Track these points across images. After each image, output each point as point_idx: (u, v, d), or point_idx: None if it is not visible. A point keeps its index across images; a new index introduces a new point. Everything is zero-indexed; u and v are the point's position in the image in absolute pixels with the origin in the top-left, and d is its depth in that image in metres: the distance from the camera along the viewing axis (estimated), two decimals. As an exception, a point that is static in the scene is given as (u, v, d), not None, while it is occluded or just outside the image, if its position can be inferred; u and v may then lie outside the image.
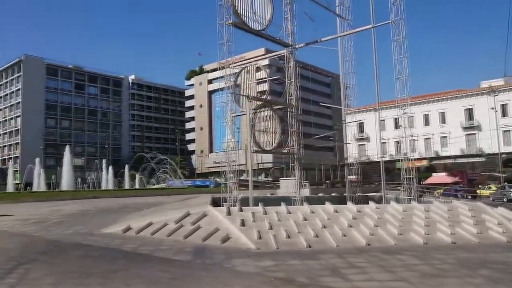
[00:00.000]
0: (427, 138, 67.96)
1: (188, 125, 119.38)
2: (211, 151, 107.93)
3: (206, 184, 76.16)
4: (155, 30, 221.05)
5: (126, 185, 70.34)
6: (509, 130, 60.96)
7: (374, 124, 69.73)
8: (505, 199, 35.70)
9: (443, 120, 67.20)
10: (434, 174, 60.98)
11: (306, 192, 23.14)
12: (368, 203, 16.96)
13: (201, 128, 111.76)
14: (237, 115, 22.49)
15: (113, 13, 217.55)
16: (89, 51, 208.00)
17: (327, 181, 38.11)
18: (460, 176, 61.63)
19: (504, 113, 61.75)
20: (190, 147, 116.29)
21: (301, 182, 21.67)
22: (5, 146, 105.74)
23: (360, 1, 25.88)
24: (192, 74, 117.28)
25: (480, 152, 62.70)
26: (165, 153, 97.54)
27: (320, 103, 73.06)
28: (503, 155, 58.86)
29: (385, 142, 64.62)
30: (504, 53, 64.60)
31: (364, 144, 72.65)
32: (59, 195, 44.05)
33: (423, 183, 49.82)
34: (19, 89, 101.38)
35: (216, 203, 18.73)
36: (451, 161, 65.83)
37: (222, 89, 20.89)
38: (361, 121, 70.87)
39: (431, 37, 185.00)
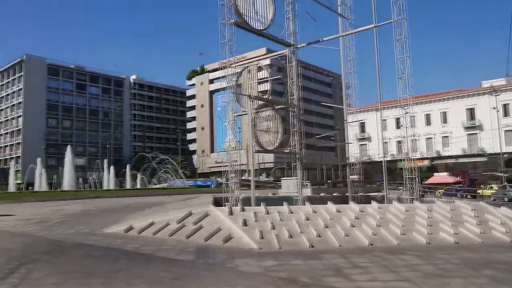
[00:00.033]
0: (428, 138, 67.85)
1: (189, 125, 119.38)
2: (212, 151, 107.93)
3: (208, 184, 76.14)
4: (156, 30, 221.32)
5: (128, 185, 70.35)
6: (511, 130, 60.82)
7: (375, 124, 69.70)
8: (506, 199, 35.79)
9: (444, 120, 67.07)
10: (435, 174, 60.89)
11: (307, 192, 23.08)
12: (370, 203, 16.94)
13: (202, 128, 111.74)
14: (238, 115, 22.45)
15: (114, 13, 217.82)
16: (90, 51, 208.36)
17: (328, 181, 37.92)
18: (461, 176, 61.54)
19: (506, 113, 61.60)
20: (192, 147, 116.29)
21: (302, 182, 21.62)
22: (6, 146, 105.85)
23: (362, 1, 25.86)
24: (193, 74, 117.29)
25: (482, 152, 62.55)
26: (166, 153, 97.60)
27: (322, 103, 72.92)
28: (505, 155, 58.72)
29: (386, 142, 64.51)
30: (505, 53, 64.37)
31: (366, 144, 72.55)
32: (60, 195, 44.06)
33: (425, 183, 49.73)
34: (20, 89, 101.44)
35: (218, 203, 18.69)
36: (453, 161, 65.69)
37: (223, 88, 20.89)
38: (363, 121, 70.81)
39: (432, 37, 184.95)
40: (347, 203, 18.76)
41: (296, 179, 21.50)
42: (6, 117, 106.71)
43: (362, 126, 72.96)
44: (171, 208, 22.73)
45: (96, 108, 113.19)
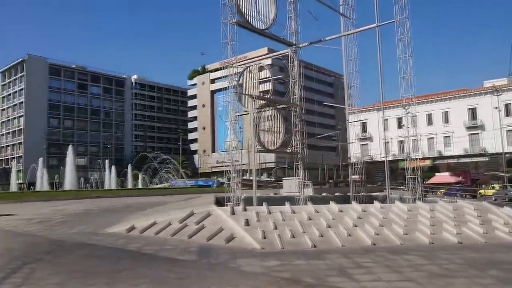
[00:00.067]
0: (430, 138, 67.76)
1: (190, 125, 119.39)
2: (213, 150, 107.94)
3: (209, 184, 76.13)
4: (158, 30, 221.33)
5: (129, 185, 70.37)
6: (513, 130, 60.75)
7: (377, 124, 69.66)
8: (507, 199, 35.87)
9: (446, 119, 66.99)
10: (437, 174, 60.78)
11: (309, 191, 23.03)
12: (371, 203, 16.91)
13: (204, 128, 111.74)
14: (240, 115, 22.42)
15: (115, 13, 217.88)
16: (92, 51, 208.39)
17: (330, 181, 37.96)
18: (463, 176, 61.42)
19: (508, 113, 61.50)
20: (193, 146, 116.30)
21: (304, 182, 21.57)
22: (8, 145, 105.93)
23: (364, 0, 25.81)
24: (195, 73, 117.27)
25: (484, 152, 62.45)
26: (167, 153, 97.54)
27: (324, 103, 72.89)
28: (507, 155, 58.56)
29: (388, 142, 64.45)
30: (504, 53, 64.53)
31: (367, 144, 72.48)
32: (62, 195, 44.12)
33: (426, 183, 49.64)
34: (22, 89, 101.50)
35: (219, 202, 18.66)
36: (455, 160, 65.59)
37: (225, 88, 20.81)
38: (364, 121, 70.75)
39: (430, 37, 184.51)
40: (349, 203, 18.74)
41: (298, 179, 21.46)
42: (8, 117, 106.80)
43: (364, 126, 72.88)
44: (172, 208, 22.71)
45: (97, 108, 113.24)
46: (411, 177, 18.69)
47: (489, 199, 33.40)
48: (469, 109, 64.98)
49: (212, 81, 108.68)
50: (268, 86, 24.13)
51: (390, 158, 49.47)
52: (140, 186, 69.69)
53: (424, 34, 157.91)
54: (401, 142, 64.14)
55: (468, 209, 15.58)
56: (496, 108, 60.11)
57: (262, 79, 23.35)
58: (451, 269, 9.11)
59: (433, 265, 9.42)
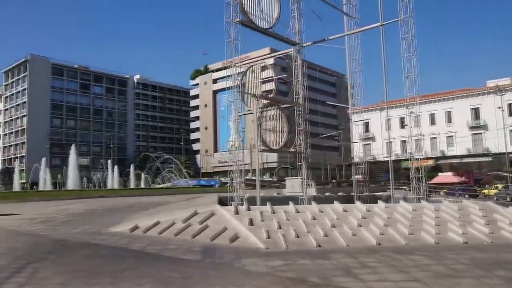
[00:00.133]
0: (433, 138, 67.56)
1: (193, 125, 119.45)
2: (215, 150, 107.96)
3: (211, 183, 76.10)
4: (160, 30, 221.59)
5: (132, 185, 70.38)
6: (516, 130, 60.51)
7: (379, 124, 69.49)
8: (508, 198, 35.82)
9: (449, 119, 66.80)
10: (440, 173, 60.60)
11: (312, 191, 22.99)
12: (375, 203, 16.83)
13: (206, 128, 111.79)
14: (243, 114, 22.37)
15: (117, 13, 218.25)
16: (93, 51, 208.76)
17: (333, 181, 37.87)
18: (466, 175, 61.24)
19: (511, 113, 61.26)
20: (195, 146, 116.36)
21: (307, 182, 21.51)
22: (11, 145, 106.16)
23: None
24: (197, 73, 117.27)
25: (487, 152, 62.24)
26: (170, 153, 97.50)
27: (327, 102, 72.79)
28: (510, 155, 58.34)
29: (390, 142, 64.30)
30: (506, 52, 64.24)
31: (370, 143, 72.36)
32: (65, 195, 44.13)
33: (429, 183, 49.49)
34: (25, 89, 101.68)
35: (222, 202, 18.64)
36: (457, 160, 65.41)
37: (228, 88, 20.75)
38: (367, 120, 70.61)
39: (434, 36, 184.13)
40: (352, 202, 18.66)
41: (301, 178, 21.40)
42: (11, 117, 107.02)
43: (366, 126, 72.73)
44: (175, 207, 22.66)
45: (100, 107, 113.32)
46: (415, 177, 18.60)
47: (491, 199, 33.30)
48: (472, 109, 64.76)
49: (215, 81, 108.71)
50: (270, 86, 24.10)
51: (393, 158, 49.40)
52: (142, 186, 69.71)
53: (426, 33, 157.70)
54: (403, 142, 63.97)
55: (473, 209, 15.48)
56: (500, 108, 59.90)
57: (265, 78, 23.31)
58: (457, 269, 9.03)
59: (439, 265, 9.34)
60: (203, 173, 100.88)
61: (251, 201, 17.18)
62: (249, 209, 15.11)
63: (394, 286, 7.63)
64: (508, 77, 66.76)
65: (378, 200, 16.89)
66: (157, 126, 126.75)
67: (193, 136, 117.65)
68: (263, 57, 30.10)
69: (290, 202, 16.19)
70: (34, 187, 67.02)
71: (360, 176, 24.54)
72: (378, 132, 71.12)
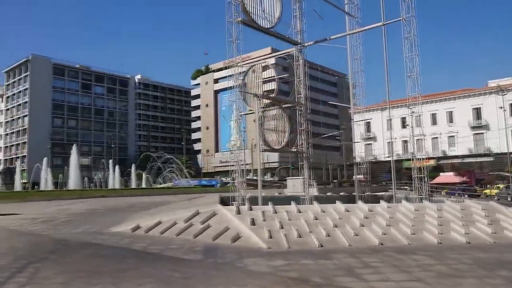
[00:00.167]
0: (434, 138, 67.44)
1: (194, 125, 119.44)
2: (217, 150, 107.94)
3: (212, 183, 76.10)
4: (160, 30, 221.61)
5: (133, 185, 70.44)
6: (517, 130, 60.32)
7: (380, 124, 69.38)
8: (509, 198, 35.77)
9: (450, 119, 66.64)
10: (441, 173, 60.48)
11: (313, 191, 22.92)
12: (377, 203, 16.78)
13: (207, 128, 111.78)
14: (245, 114, 22.32)
15: (117, 13, 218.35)
16: (94, 50, 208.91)
17: (334, 181, 37.75)
18: (468, 175, 61.10)
19: (513, 112, 61.11)
20: (196, 146, 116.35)
21: (309, 181, 21.45)
22: (12, 145, 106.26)
23: (369, -1, 25.66)
24: (198, 73, 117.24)
25: (488, 152, 62.09)
26: (171, 153, 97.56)
27: (329, 102, 72.72)
28: (512, 155, 58.22)
29: (392, 142, 64.13)
30: (506, 52, 64.12)
31: (371, 143, 72.28)
32: (66, 194, 44.15)
33: (431, 183, 49.38)
34: (26, 89, 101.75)
35: (224, 202, 18.58)
36: (459, 160, 65.25)
37: (230, 87, 20.72)
38: (368, 120, 70.52)
39: (434, 36, 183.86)
40: (354, 202, 18.61)
41: (303, 178, 21.34)
42: (12, 117, 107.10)
43: (367, 126, 72.64)
44: (176, 207, 22.65)
45: (101, 107, 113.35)
46: (417, 177, 18.54)
47: (493, 199, 33.24)
48: (474, 108, 64.60)
49: (216, 80, 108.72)
50: (271, 86, 24.04)
51: (394, 158, 49.31)
52: (143, 185, 69.75)
53: (426, 33, 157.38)
54: (405, 142, 63.92)
55: (475, 209, 15.43)
56: (501, 107, 59.74)
57: (266, 78, 23.27)
58: (460, 269, 8.98)
59: (442, 265, 9.30)
60: (204, 173, 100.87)
61: (253, 201, 17.14)
62: (251, 209, 15.07)
63: (396, 286, 7.60)
64: (509, 77, 66.61)
65: (380, 200, 16.84)
66: (158, 126, 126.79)
67: (194, 136, 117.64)
68: (264, 57, 30.02)
69: (292, 202, 16.15)
70: (36, 187, 67.08)
71: (361, 176, 24.47)
72: (379, 132, 71.03)
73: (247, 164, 20.73)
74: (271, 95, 22.28)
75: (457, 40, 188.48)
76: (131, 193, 46.59)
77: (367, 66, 23.58)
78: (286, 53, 24.27)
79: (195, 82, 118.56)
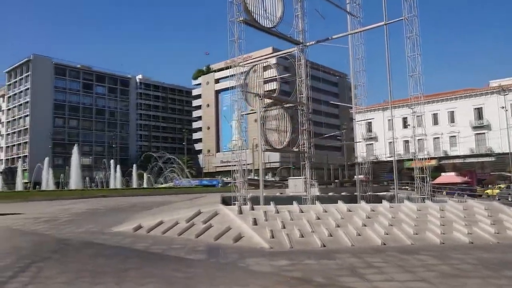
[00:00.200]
0: (436, 138, 67.35)
1: (195, 125, 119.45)
2: (218, 150, 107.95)
3: (213, 183, 76.13)
4: (161, 29, 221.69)
5: (134, 184, 70.52)
6: (519, 129, 60.19)
7: (382, 124, 69.34)
8: (510, 198, 35.68)
9: (452, 119, 66.54)
10: (443, 173, 60.36)
11: (315, 191, 22.90)
12: (378, 202, 16.74)
13: (208, 128, 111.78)
14: (246, 114, 22.30)
15: (118, 13, 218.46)
16: (95, 50, 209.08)
17: (336, 181, 37.75)
18: (469, 176, 60.91)
19: (514, 112, 60.98)
20: (197, 146, 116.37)
21: (311, 181, 21.43)
22: (14, 145, 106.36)
23: (370, -2, 25.65)
24: (199, 73, 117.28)
25: (490, 152, 61.99)
26: (172, 153, 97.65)
27: (331, 102, 72.67)
28: (514, 155, 58.09)
29: (393, 142, 64.04)
30: (507, 53, 64.04)
31: (372, 143, 72.22)
32: (67, 194, 44.21)
33: (432, 183, 49.28)
34: (27, 89, 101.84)
35: (226, 202, 18.57)
36: (460, 160, 65.13)
37: (232, 87, 20.68)
38: (369, 120, 70.48)
39: (434, 36, 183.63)
40: (356, 202, 18.59)
41: (304, 178, 21.32)
42: (14, 117, 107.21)
43: (369, 126, 72.59)
44: (178, 207, 22.62)
45: (102, 107, 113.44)
46: (419, 177, 18.50)
47: (493, 199, 33.17)
48: (475, 108, 64.49)
49: (217, 80, 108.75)
50: (272, 85, 24.03)
51: (396, 158, 49.16)
52: (145, 185, 69.79)
53: (426, 33, 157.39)
54: (406, 142, 63.81)
55: (478, 209, 15.39)
56: (503, 107, 59.65)
57: (268, 78, 23.23)
58: (463, 269, 8.95)
59: (445, 265, 9.26)
60: (205, 173, 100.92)
61: (254, 201, 17.12)
62: (252, 209, 15.05)
63: (401, 286, 7.56)
64: (511, 77, 66.49)
65: (383, 200, 16.79)
66: (160, 126, 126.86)
67: (195, 136, 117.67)
68: (265, 57, 30.00)
69: (294, 201, 16.13)
70: (37, 186, 67.18)
71: (363, 176, 24.45)
72: (380, 132, 70.97)
73: (248, 164, 20.64)
74: (273, 95, 22.27)
75: (457, 40, 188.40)
76: (133, 193, 46.62)
77: (369, 66, 23.52)
78: (287, 52, 24.24)
79: (196, 82, 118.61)
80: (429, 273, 8.53)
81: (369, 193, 22.41)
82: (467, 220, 14.13)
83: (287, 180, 34.05)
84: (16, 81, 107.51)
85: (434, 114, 67.14)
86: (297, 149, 21.79)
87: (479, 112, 64.28)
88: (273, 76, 24.04)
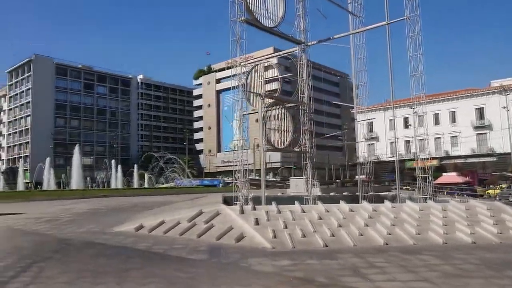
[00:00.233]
0: (437, 138, 67.25)
1: (196, 125, 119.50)
2: (219, 150, 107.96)
3: (214, 183, 76.13)
4: (162, 30, 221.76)
5: (135, 184, 70.54)
6: (521, 130, 60.07)
7: (383, 124, 69.26)
8: (510, 198, 35.65)
9: (453, 119, 66.45)
10: (444, 174, 60.27)
11: (316, 191, 22.86)
12: (380, 202, 16.70)
13: (209, 128, 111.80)
14: (248, 114, 22.28)
15: (118, 13, 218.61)
16: (98, 50, 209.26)
17: (337, 181, 37.70)
18: (470, 176, 60.83)
19: (516, 112, 60.83)
20: (198, 146, 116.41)
21: (312, 181, 21.39)
22: (15, 145, 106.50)
23: (372, -2, 25.62)
24: (200, 73, 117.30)
25: (491, 152, 61.89)
26: (173, 153, 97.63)
27: (332, 102, 72.65)
28: (515, 155, 57.98)
29: (394, 142, 64.00)
30: (507, 53, 63.97)
31: (373, 143, 72.13)
32: (69, 194, 44.21)
33: (434, 183, 49.18)
34: (29, 89, 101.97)
35: (227, 202, 18.55)
36: (462, 160, 65.04)
37: (233, 87, 20.66)
38: (371, 120, 70.40)
39: (434, 36, 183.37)
40: (357, 202, 18.54)
41: (306, 178, 21.28)
42: (15, 117, 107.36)
43: (370, 126, 72.52)
44: (179, 207, 22.59)
45: (103, 107, 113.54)
46: (421, 177, 18.46)
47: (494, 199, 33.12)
48: (477, 108, 64.41)
49: (218, 80, 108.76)
50: (274, 85, 23.98)
51: (398, 158, 49.03)
52: (146, 185, 69.82)
53: (426, 33, 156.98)
54: (407, 142, 63.75)
55: (480, 209, 15.34)
56: (504, 107, 59.53)
57: (269, 78, 23.19)
58: (466, 269, 8.92)
59: (448, 265, 9.23)
60: (206, 173, 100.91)
61: (256, 201, 17.09)
62: (254, 209, 15.02)
63: (403, 286, 7.53)
64: (512, 77, 66.40)
65: (385, 200, 16.75)
66: (161, 126, 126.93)
67: (196, 136, 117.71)
68: (266, 57, 29.96)
69: (295, 201, 16.10)
70: (38, 186, 67.25)
71: (364, 176, 24.40)
72: (381, 132, 70.88)
73: (249, 164, 20.65)
74: (274, 95, 22.24)
75: (458, 40, 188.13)
76: (134, 193, 46.61)
77: (370, 66, 23.52)
78: (289, 52, 24.21)
79: (197, 82, 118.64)
80: (432, 273, 8.50)
81: (370, 193, 22.36)
82: (469, 220, 14.09)
83: (288, 180, 34.04)
84: (17, 81, 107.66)
85: (435, 114, 67.06)
86: (298, 149, 21.74)
87: (480, 112, 64.19)
88: (274, 76, 24.00)
